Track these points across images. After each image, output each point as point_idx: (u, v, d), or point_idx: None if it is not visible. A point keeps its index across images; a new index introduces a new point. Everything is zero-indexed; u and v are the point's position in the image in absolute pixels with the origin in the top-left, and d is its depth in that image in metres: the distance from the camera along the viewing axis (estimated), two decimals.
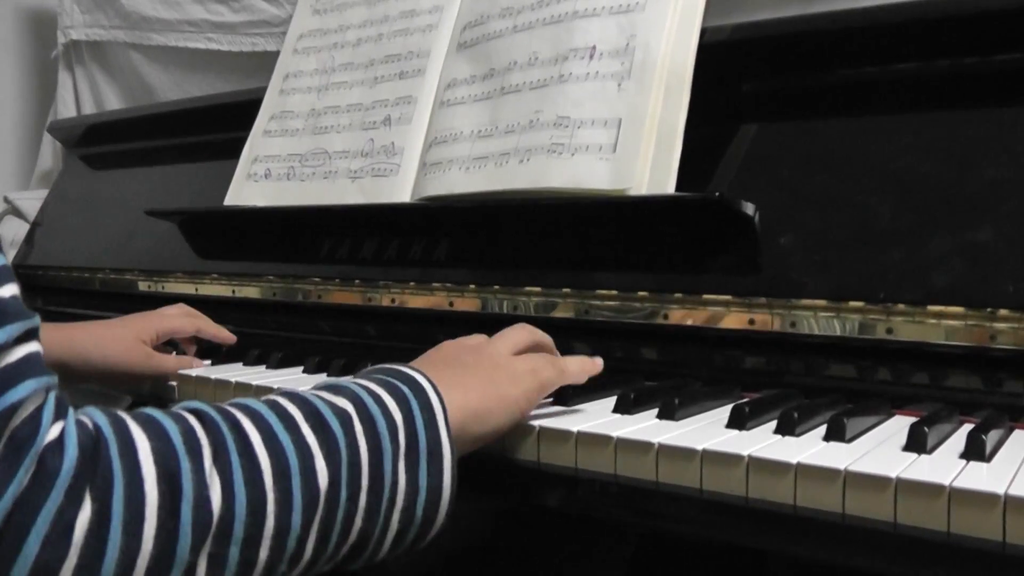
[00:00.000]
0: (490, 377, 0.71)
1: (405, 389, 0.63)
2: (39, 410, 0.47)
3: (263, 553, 0.53)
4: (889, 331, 0.81)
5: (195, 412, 0.55)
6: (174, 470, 0.50)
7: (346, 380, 0.64)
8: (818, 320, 0.83)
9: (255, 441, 0.54)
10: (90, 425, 0.50)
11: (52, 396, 0.49)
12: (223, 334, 1.14)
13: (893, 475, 0.59)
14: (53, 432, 0.47)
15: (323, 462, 0.56)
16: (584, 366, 0.81)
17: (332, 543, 0.57)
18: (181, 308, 1.15)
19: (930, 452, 0.65)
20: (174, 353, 1.11)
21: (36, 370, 0.48)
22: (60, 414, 0.49)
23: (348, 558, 0.59)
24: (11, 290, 0.48)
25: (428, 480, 0.61)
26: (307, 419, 0.57)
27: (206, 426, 0.54)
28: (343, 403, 0.60)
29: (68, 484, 0.47)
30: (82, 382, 1.05)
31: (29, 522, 0.45)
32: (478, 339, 0.79)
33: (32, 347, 0.49)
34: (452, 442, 0.63)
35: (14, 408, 0.46)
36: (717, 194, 0.89)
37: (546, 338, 0.83)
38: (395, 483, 0.59)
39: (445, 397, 0.64)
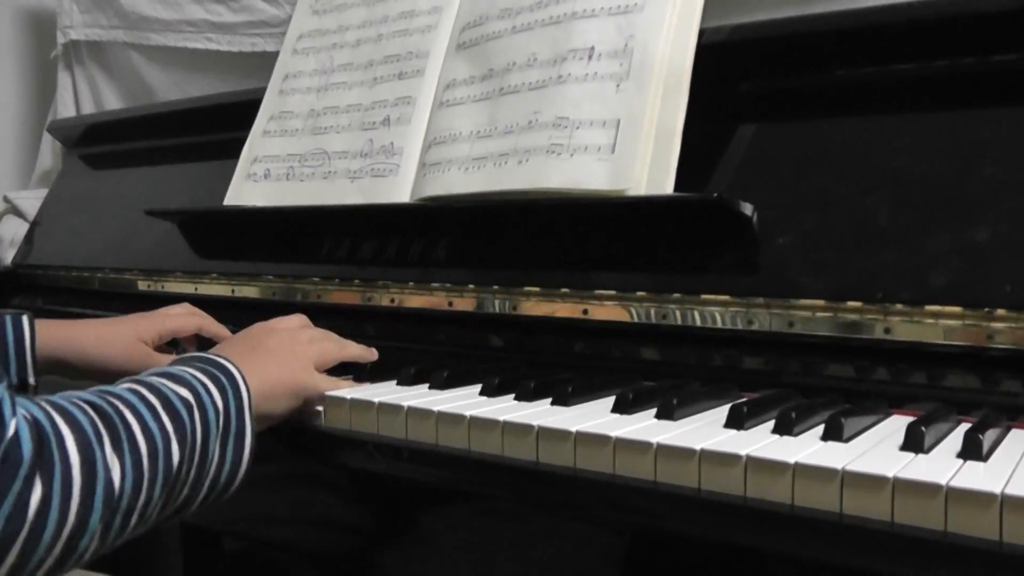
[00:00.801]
0: (285, 362, 0.85)
1: (225, 381, 0.76)
2: (1, 410, 0.56)
3: (133, 519, 0.65)
4: (887, 331, 0.81)
5: (91, 404, 0.65)
6: (92, 458, 0.61)
7: (178, 368, 0.75)
8: (816, 320, 0.84)
9: (136, 430, 0.66)
10: (31, 418, 0.59)
11: (6, 395, 0.57)
12: (224, 332, 1.14)
13: (890, 475, 0.59)
14: (10, 429, 0.57)
15: (177, 446, 0.68)
16: (364, 351, 0.97)
17: (171, 507, 0.70)
18: (185, 307, 1.15)
19: (927, 452, 0.65)
20: (175, 353, 1.11)
21: None
22: (13, 411, 0.57)
23: (169, 517, 0.71)
24: None
25: (232, 456, 0.74)
26: (165, 409, 0.69)
27: (103, 418, 0.64)
28: (186, 393, 0.72)
29: (27, 472, 0.57)
30: (80, 379, 1.05)
31: None
32: (285, 328, 0.93)
33: None
34: (253, 424, 0.77)
35: None
36: (715, 195, 0.89)
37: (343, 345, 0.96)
38: (212, 459, 0.73)
39: (249, 384, 0.77)
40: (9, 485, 0.56)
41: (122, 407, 0.66)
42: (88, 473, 0.61)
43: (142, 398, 0.69)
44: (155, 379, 0.72)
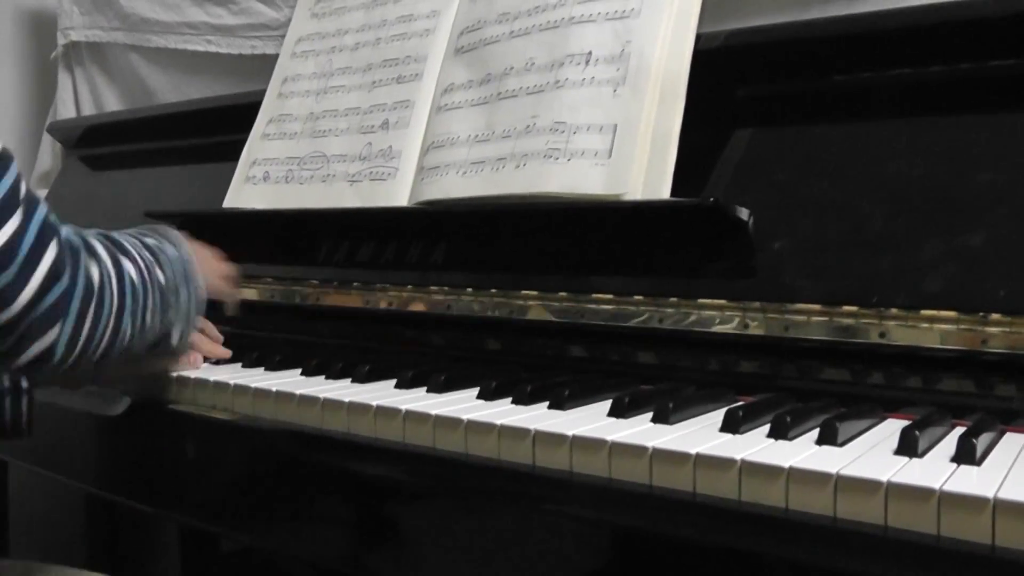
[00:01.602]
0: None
1: (183, 246, 0.98)
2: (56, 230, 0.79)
3: (148, 316, 0.87)
4: (882, 335, 0.81)
5: (100, 239, 0.87)
6: (116, 259, 0.85)
7: (152, 240, 0.94)
8: (811, 324, 0.84)
9: (131, 247, 0.89)
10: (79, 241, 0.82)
11: (49, 218, 0.78)
12: (217, 351, 1.12)
13: (884, 479, 0.59)
14: (62, 232, 0.79)
15: (160, 271, 0.90)
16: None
17: (160, 319, 0.90)
18: None
19: (921, 456, 0.65)
20: None
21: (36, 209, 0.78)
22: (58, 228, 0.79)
23: (152, 345, 0.92)
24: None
25: (190, 294, 0.96)
26: (155, 258, 0.91)
27: (112, 242, 0.87)
28: (173, 252, 0.95)
29: (84, 257, 0.80)
30: (79, 386, 1.05)
31: (76, 264, 0.79)
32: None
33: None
34: (199, 276, 0.99)
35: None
36: (712, 199, 0.90)
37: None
38: (179, 292, 0.94)
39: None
40: (77, 261, 0.78)
41: (123, 240, 0.89)
42: (117, 267, 0.84)
43: (134, 243, 0.91)
44: (137, 243, 0.93)
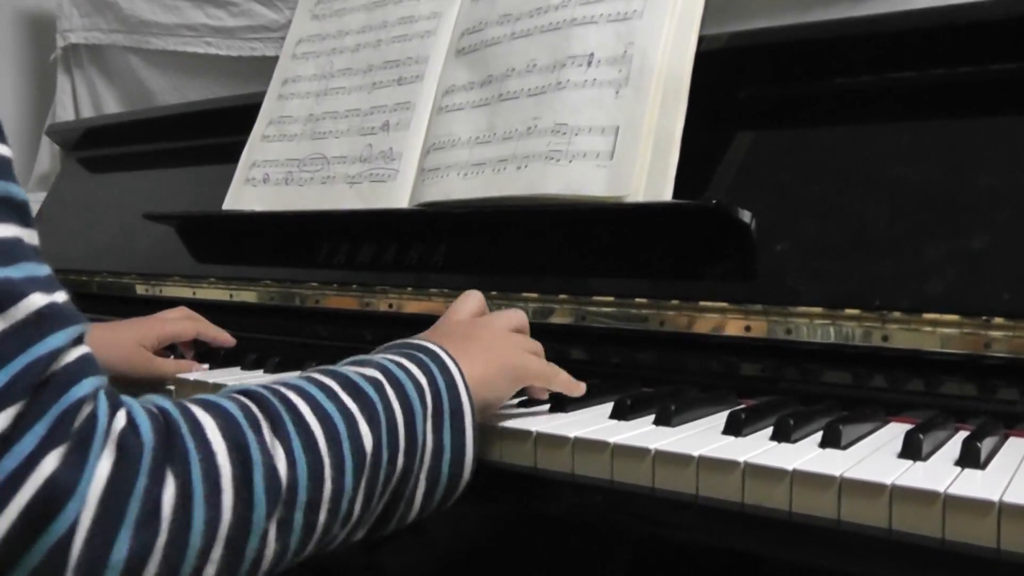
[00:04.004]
0: (491, 345, 0.74)
1: (424, 357, 0.67)
2: (95, 406, 0.48)
3: (322, 515, 0.56)
4: (884, 339, 0.81)
5: (245, 392, 0.58)
6: (242, 442, 0.52)
7: (364, 356, 0.67)
8: (814, 327, 0.84)
9: (305, 411, 0.57)
10: (155, 410, 0.52)
11: (102, 391, 0.50)
12: (222, 336, 1.14)
13: (888, 482, 0.59)
14: (120, 419, 0.49)
15: (366, 426, 0.59)
16: (571, 384, 0.81)
17: (374, 503, 0.60)
18: (182, 311, 1.15)
19: (925, 459, 0.65)
20: (172, 357, 1.11)
21: (92, 369, 0.50)
22: (116, 403, 0.50)
23: (381, 519, 0.62)
24: (64, 296, 0.51)
25: (452, 439, 0.65)
26: (344, 388, 0.60)
27: (258, 403, 0.56)
28: (372, 372, 0.63)
29: (151, 465, 0.48)
30: None
31: (122, 507, 0.46)
32: (478, 312, 0.83)
33: (86, 348, 0.50)
34: (472, 401, 0.67)
35: (79, 404, 0.47)
36: (714, 201, 0.89)
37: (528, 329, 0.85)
38: (424, 443, 0.63)
39: (461, 366, 0.68)
40: (131, 484, 0.47)
41: (285, 390, 0.58)
42: (240, 459, 0.52)
43: (313, 380, 0.61)
44: (335, 366, 0.65)
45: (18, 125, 2.20)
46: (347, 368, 0.64)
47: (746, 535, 0.64)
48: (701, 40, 0.97)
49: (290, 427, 0.56)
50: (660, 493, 0.67)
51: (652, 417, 0.77)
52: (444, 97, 1.14)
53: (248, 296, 1.28)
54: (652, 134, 0.94)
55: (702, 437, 0.71)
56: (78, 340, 0.50)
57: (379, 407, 0.61)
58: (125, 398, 0.52)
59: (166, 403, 0.54)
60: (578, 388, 0.81)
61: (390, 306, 1.12)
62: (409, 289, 1.11)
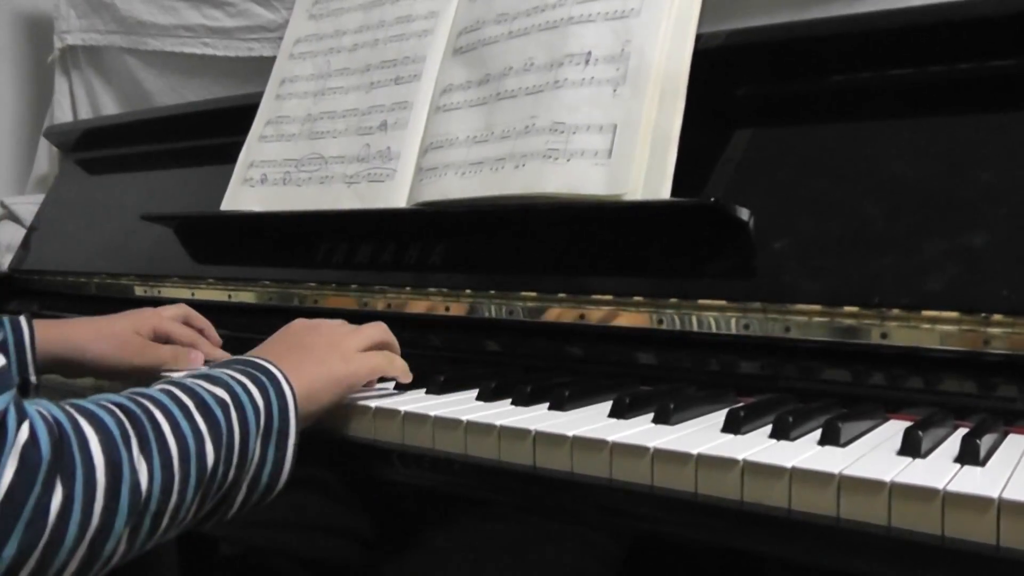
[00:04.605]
0: (323, 359, 0.82)
1: (266, 381, 0.74)
2: (5, 418, 0.54)
3: (165, 521, 0.64)
4: (883, 336, 0.81)
5: (118, 406, 0.64)
6: (116, 459, 0.60)
7: (217, 371, 0.74)
8: (812, 325, 0.84)
9: (166, 430, 0.64)
10: (51, 420, 0.58)
11: (12, 403, 0.55)
12: (216, 353, 1.11)
13: (888, 479, 0.59)
14: (24, 432, 0.55)
15: (211, 446, 0.67)
16: (405, 372, 0.89)
17: (206, 508, 0.68)
18: (181, 308, 1.14)
19: (924, 456, 0.65)
20: None
21: (5, 383, 0.55)
22: (21, 415, 0.56)
23: (205, 518, 0.70)
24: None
25: (275, 454, 0.73)
26: (198, 408, 0.68)
27: (131, 419, 0.63)
28: (222, 393, 0.70)
29: (45, 475, 0.55)
30: (79, 376, 1.05)
31: (17, 512, 0.54)
32: (328, 322, 0.90)
33: (1, 359, 0.56)
34: (298, 422, 0.75)
35: None
36: (712, 199, 0.89)
37: (394, 339, 0.92)
38: (252, 459, 0.71)
39: (293, 383, 0.75)
40: (29, 490, 0.54)
41: (152, 407, 0.65)
42: (113, 475, 0.59)
43: (174, 398, 0.68)
44: (190, 380, 0.71)
45: (16, 127, 2.20)
46: (202, 384, 0.71)
47: (745, 533, 0.63)
48: (699, 38, 0.97)
49: (154, 446, 0.63)
50: (659, 491, 0.67)
51: (651, 415, 0.77)
52: (442, 96, 1.14)
53: (247, 296, 1.28)
54: (650, 132, 0.94)
55: (701, 435, 0.71)
56: None
57: (223, 428, 0.68)
58: (28, 408, 0.57)
59: (59, 413, 0.59)
60: (407, 376, 0.89)
61: (388, 305, 1.12)
62: (407, 288, 1.11)
